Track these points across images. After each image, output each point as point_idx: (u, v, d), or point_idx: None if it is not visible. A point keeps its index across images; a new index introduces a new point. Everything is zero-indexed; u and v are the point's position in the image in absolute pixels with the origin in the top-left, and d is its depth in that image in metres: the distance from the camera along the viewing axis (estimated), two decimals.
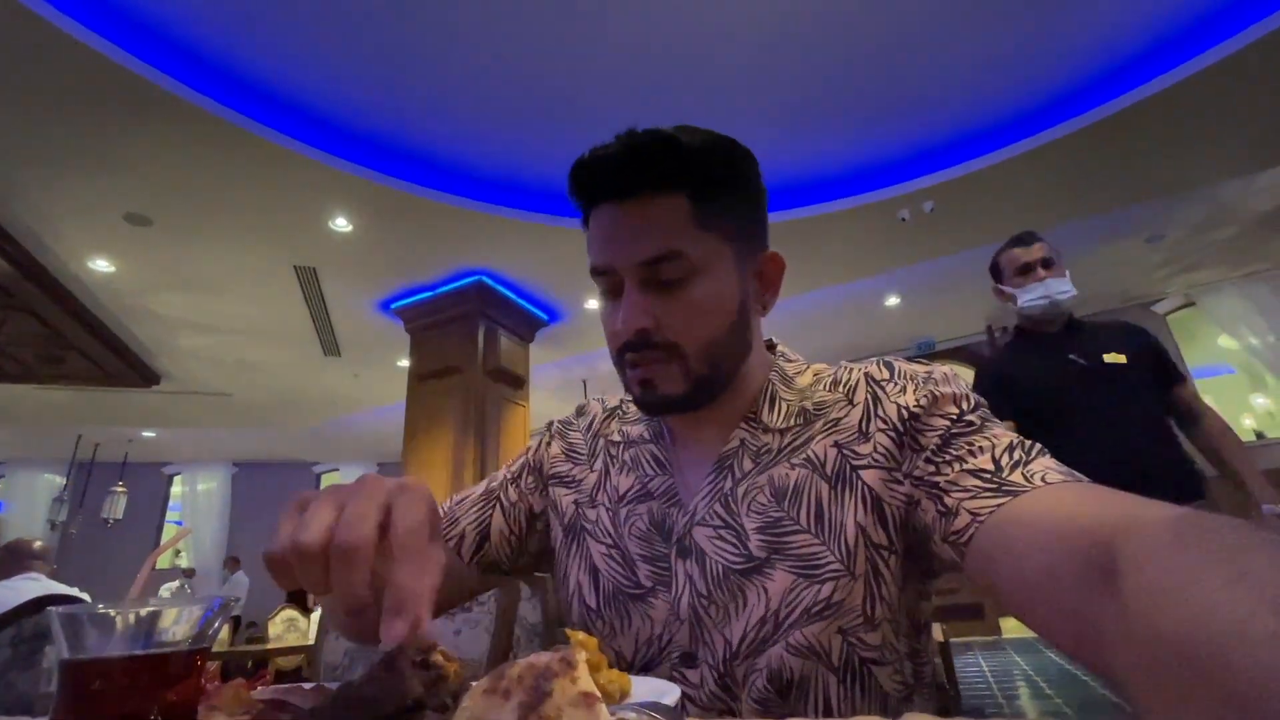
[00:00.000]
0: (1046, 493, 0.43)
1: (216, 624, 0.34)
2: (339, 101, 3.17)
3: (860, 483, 0.54)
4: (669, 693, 0.37)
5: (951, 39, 3.07)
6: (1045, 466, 0.46)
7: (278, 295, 4.46)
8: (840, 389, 0.61)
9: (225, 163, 3.17)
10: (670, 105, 3.27)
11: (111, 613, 0.31)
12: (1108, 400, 1.65)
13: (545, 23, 2.88)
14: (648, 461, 0.65)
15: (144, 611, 0.31)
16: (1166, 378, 1.74)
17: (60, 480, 8.13)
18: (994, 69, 3.25)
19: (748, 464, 0.59)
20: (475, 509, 0.71)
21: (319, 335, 5.10)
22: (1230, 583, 0.23)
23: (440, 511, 0.53)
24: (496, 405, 4.38)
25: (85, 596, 2.14)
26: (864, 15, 2.93)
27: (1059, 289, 1.75)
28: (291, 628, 4.55)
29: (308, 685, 0.38)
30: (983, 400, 0.56)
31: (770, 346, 0.69)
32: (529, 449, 0.76)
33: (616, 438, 0.70)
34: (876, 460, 0.55)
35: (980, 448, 0.50)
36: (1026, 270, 1.80)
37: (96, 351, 4.84)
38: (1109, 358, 1.70)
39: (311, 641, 2.43)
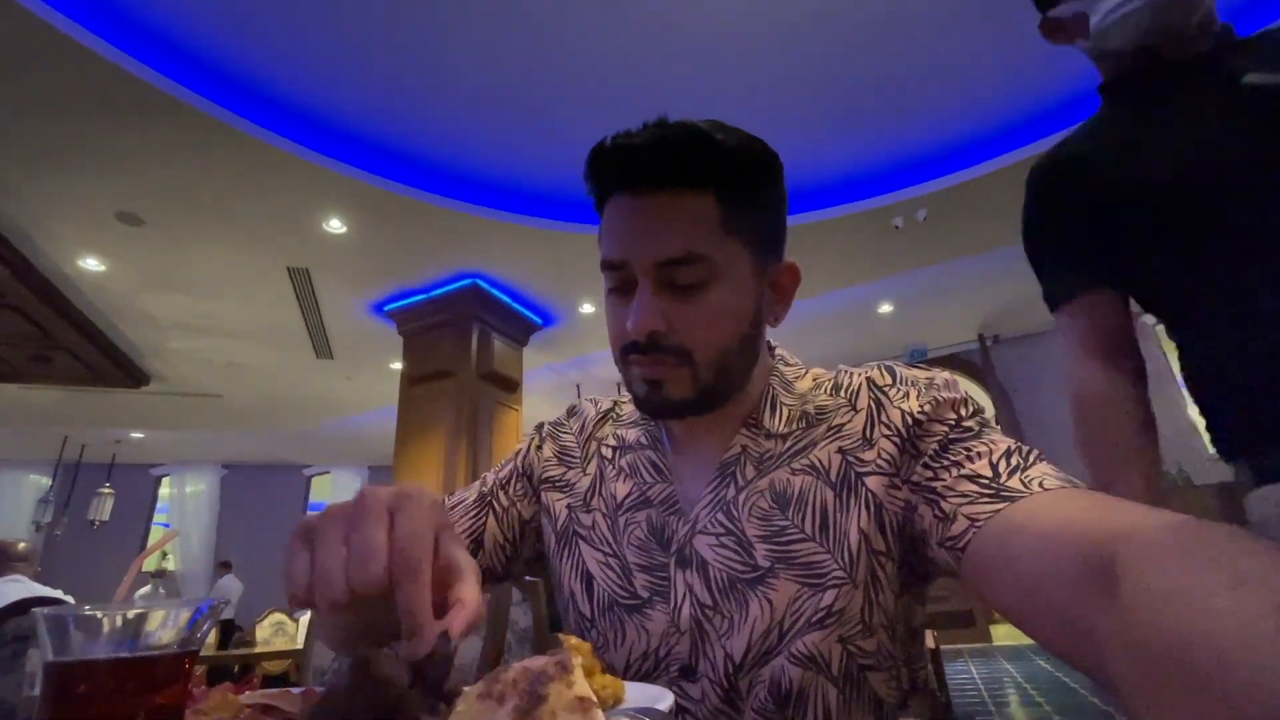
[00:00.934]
0: (1044, 498, 0.43)
1: (205, 627, 0.33)
2: (333, 102, 3.17)
3: (865, 489, 0.54)
4: (663, 698, 0.37)
5: (945, 48, 3.10)
6: (1043, 472, 0.46)
7: (270, 296, 4.43)
8: (842, 394, 0.60)
9: (218, 162, 3.15)
10: (663, 111, 3.27)
11: (98, 615, 0.30)
12: None
13: (538, 26, 2.89)
14: (646, 468, 0.63)
15: (131, 614, 0.31)
16: None
17: (46, 481, 8.05)
18: (988, 78, 3.28)
19: (750, 471, 0.57)
20: (469, 517, 0.69)
21: (311, 337, 5.08)
22: (1230, 588, 0.23)
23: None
24: (489, 409, 4.37)
25: (69, 599, 2.12)
26: (858, 24, 2.95)
27: None
28: (279, 631, 4.51)
29: (296, 690, 0.38)
30: (981, 406, 0.56)
31: (769, 350, 0.68)
32: (518, 453, 0.74)
33: (611, 441, 0.68)
34: (880, 466, 0.54)
35: (978, 453, 0.50)
36: None
37: (85, 351, 4.80)
38: None
39: (300, 646, 2.41)
